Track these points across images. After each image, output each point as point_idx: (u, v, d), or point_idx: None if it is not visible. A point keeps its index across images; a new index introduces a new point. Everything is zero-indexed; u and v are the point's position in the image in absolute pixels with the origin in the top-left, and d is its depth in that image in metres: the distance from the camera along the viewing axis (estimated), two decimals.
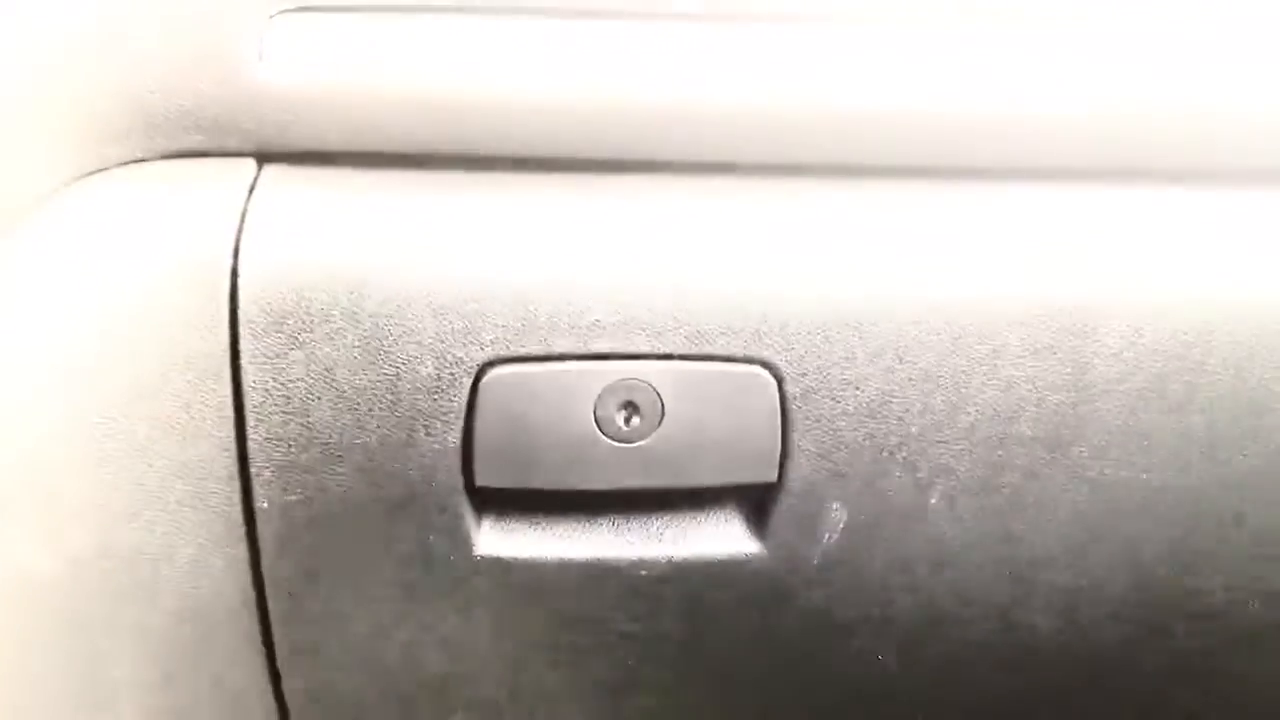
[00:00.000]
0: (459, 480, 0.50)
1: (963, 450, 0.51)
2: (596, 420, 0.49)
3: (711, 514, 0.54)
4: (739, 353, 0.49)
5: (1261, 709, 0.63)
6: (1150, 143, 0.52)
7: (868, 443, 0.51)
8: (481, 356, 0.48)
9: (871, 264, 0.50)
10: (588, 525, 0.54)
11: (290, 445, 0.49)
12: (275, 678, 0.56)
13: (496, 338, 0.48)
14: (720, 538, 0.54)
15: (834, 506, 0.52)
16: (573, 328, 0.48)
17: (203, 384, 0.48)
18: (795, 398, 0.50)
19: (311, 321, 0.47)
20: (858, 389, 0.50)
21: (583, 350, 0.48)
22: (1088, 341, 0.50)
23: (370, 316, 0.47)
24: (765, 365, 0.49)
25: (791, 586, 0.55)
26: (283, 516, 0.50)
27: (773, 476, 0.51)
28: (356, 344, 0.47)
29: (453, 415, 0.49)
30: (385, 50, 0.48)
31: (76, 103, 0.47)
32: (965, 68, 0.50)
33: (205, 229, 0.47)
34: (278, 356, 0.47)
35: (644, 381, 0.49)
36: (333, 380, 0.48)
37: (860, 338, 0.49)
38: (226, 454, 0.49)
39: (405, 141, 0.49)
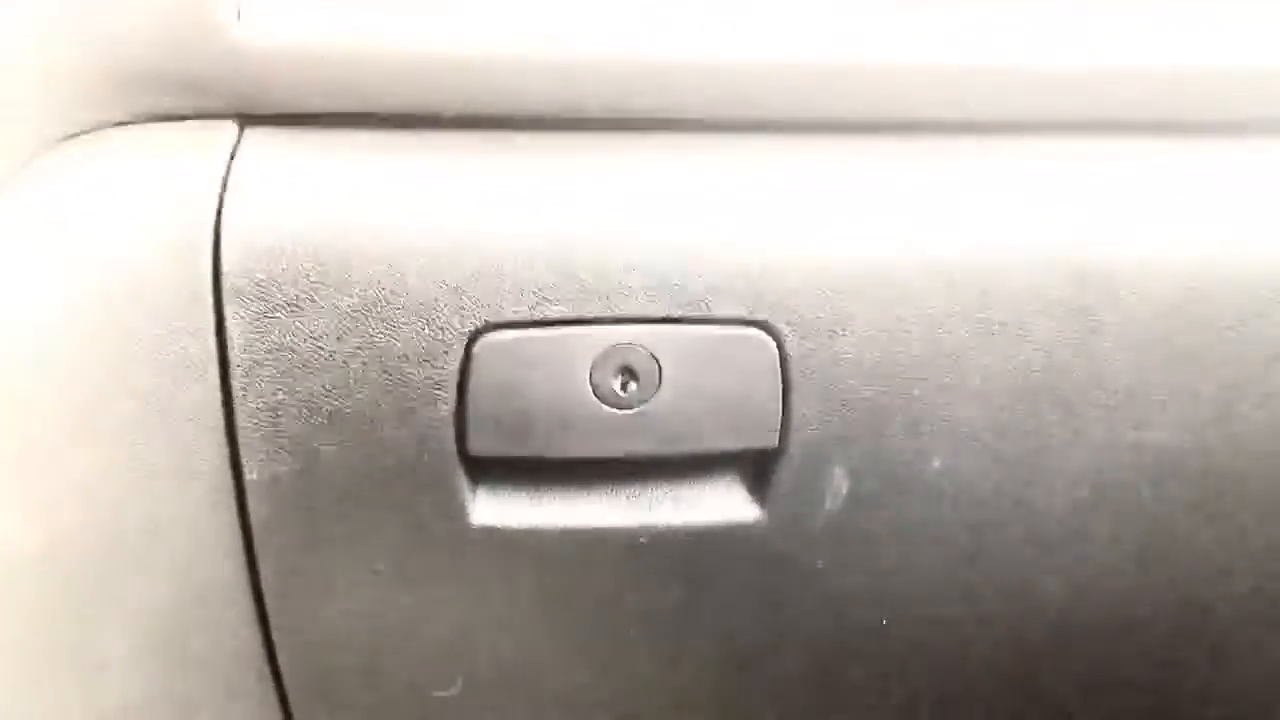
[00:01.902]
0: (453, 449, 0.49)
1: (967, 411, 0.51)
2: (593, 386, 0.48)
3: (711, 480, 0.54)
4: (737, 315, 0.48)
5: (1271, 669, 0.63)
6: (1158, 95, 0.51)
7: (870, 405, 0.50)
8: (474, 322, 0.47)
9: (872, 222, 0.49)
10: (585, 493, 0.53)
11: (279, 415, 0.48)
12: (269, 649, 0.56)
13: (489, 303, 0.47)
14: (721, 504, 0.53)
15: (836, 471, 0.52)
16: (567, 292, 0.47)
17: (188, 354, 0.47)
18: (795, 361, 0.49)
19: (297, 289, 0.46)
20: (859, 350, 0.49)
21: (577, 315, 0.47)
22: (1095, 297, 0.49)
23: (358, 283, 0.46)
24: (764, 328, 0.48)
25: (793, 552, 0.54)
26: (273, 488, 0.50)
27: (773, 442, 0.51)
28: (345, 311, 0.46)
29: (445, 383, 0.48)
30: (368, 7, 0.47)
31: (51, 65, 0.46)
32: (965, 20, 0.49)
33: (186, 194, 0.46)
34: (264, 325, 0.46)
35: (641, 346, 0.48)
36: (321, 349, 0.47)
37: (861, 298, 0.48)
38: (214, 426, 0.48)
39: (390, 101, 0.48)
